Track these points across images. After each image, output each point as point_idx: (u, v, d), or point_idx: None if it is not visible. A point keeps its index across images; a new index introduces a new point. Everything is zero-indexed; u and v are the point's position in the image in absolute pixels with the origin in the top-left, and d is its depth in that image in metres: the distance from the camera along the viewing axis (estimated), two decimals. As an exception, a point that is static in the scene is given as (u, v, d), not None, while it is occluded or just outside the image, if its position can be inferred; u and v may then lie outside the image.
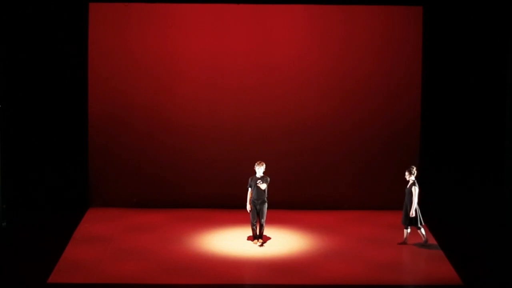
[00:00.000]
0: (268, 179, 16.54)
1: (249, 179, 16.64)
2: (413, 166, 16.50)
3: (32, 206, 18.62)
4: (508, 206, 18.47)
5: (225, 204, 18.80)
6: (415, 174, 16.41)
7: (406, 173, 16.43)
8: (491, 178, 18.85)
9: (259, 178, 16.50)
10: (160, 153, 18.95)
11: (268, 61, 18.75)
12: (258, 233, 16.67)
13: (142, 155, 18.96)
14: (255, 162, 16.57)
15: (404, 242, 16.57)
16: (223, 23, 18.65)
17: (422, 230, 16.52)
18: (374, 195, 19.04)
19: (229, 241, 16.79)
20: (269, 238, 16.86)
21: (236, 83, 18.82)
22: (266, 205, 16.58)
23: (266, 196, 16.56)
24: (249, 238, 16.83)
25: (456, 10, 18.38)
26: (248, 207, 16.66)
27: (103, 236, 17.00)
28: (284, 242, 16.78)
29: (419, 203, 16.47)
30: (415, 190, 16.32)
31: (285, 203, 18.63)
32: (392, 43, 18.68)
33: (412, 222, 16.45)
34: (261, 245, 16.50)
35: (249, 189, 16.62)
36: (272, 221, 17.28)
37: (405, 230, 16.58)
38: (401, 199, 18.82)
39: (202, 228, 17.61)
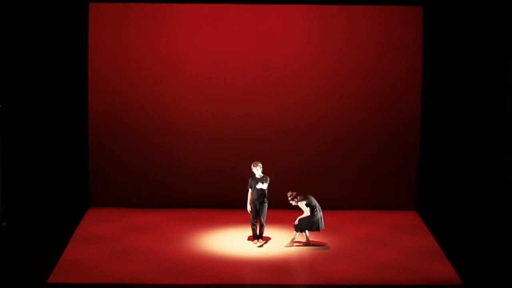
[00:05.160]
0: (268, 178, 16.55)
1: (249, 180, 16.65)
2: (292, 193, 16.47)
3: (32, 206, 18.62)
4: (508, 206, 18.47)
5: (225, 204, 18.80)
6: (296, 197, 16.41)
7: (290, 200, 16.46)
8: (491, 178, 18.85)
9: (259, 179, 16.52)
10: (160, 153, 18.95)
11: (268, 61, 18.74)
12: (258, 233, 16.69)
13: (142, 155, 18.96)
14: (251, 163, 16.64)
15: (307, 244, 16.51)
16: (223, 23, 18.64)
17: (307, 232, 16.49)
18: (374, 195, 19.03)
19: (229, 241, 16.79)
20: (269, 238, 16.86)
21: (236, 83, 18.81)
22: (266, 205, 16.59)
23: (266, 196, 16.57)
24: (249, 238, 16.84)
25: (456, 10, 18.38)
26: (249, 207, 16.67)
27: (103, 236, 17.00)
28: (284, 242, 16.76)
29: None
30: (302, 205, 16.39)
31: (285, 203, 18.57)
32: (392, 43, 18.67)
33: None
34: (261, 245, 16.50)
35: (250, 189, 16.63)
36: (272, 221, 17.27)
37: (303, 233, 16.52)
38: (401, 200, 18.93)
39: (202, 228, 17.60)
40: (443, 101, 18.75)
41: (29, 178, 18.79)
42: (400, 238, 17.04)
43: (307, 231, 16.51)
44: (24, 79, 18.54)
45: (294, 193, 16.53)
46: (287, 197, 16.51)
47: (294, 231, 16.49)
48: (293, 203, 16.53)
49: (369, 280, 14.83)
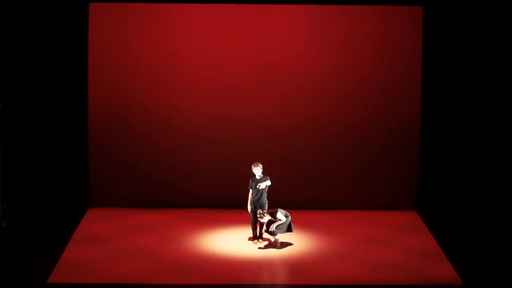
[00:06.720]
0: (268, 178, 16.55)
1: (250, 180, 16.66)
2: (261, 212, 16.43)
3: (32, 206, 18.61)
4: (508, 206, 18.46)
5: (225, 204, 18.80)
6: (265, 214, 16.36)
7: (261, 219, 16.41)
8: (491, 178, 18.84)
9: (259, 180, 16.52)
10: (160, 153, 18.95)
11: (268, 61, 18.74)
12: (258, 234, 16.69)
13: (142, 155, 18.95)
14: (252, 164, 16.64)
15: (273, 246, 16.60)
16: (223, 23, 18.64)
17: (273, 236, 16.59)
18: (374, 195, 19.03)
19: (229, 241, 16.79)
20: (269, 239, 16.83)
21: (236, 83, 18.82)
22: (266, 205, 16.59)
23: (266, 195, 16.58)
24: (249, 239, 16.84)
25: (457, 10, 18.37)
26: (249, 208, 16.68)
27: (103, 236, 17.00)
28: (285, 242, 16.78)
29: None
30: (280, 216, 16.39)
31: (286, 203, 18.58)
32: (392, 43, 18.67)
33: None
34: (262, 246, 16.51)
35: (250, 190, 16.64)
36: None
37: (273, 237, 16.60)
38: (401, 200, 18.93)
39: (202, 228, 17.60)
40: (443, 101, 18.74)
41: (29, 178, 18.78)
42: (400, 238, 17.04)
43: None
44: (24, 79, 18.53)
45: (264, 211, 16.47)
46: (259, 217, 16.42)
47: (274, 237, 16.46)
48: (266, 219, 16.34)
49: (369, 280, 14.84)
